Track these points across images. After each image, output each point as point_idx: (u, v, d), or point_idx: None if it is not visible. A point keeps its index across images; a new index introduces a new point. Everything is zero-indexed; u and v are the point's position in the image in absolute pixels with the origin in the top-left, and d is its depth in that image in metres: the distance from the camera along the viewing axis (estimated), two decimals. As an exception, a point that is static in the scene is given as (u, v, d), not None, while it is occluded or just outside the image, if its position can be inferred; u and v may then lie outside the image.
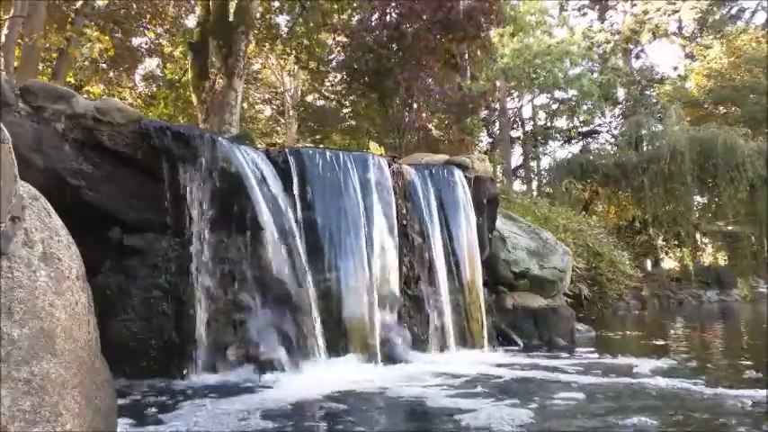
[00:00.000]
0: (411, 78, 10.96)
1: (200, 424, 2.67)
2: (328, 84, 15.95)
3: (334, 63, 14.81)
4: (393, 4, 11.34)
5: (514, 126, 24.14)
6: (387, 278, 4.89)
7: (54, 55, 11.74)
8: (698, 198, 18.75)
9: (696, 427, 2.64)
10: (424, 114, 12.42)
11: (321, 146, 12.59)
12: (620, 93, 23.52)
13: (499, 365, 4.56)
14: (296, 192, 4.64)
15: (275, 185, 4.53)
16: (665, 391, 3.41)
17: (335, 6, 13.60)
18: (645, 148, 18.28)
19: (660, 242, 18.49)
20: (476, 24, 11.34)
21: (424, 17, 11.00)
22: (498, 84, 18.92)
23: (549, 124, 24.31)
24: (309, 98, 18.32)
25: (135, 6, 13.28)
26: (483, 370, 4.32)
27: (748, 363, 4.61)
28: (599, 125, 24.10)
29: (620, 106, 23.62)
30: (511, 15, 16.38)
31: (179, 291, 4.07)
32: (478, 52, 13.17)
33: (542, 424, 2.67)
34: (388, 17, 11.55)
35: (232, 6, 10.82)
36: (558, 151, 24.92)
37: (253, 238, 4.27)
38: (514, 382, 3.81)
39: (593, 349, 5.74)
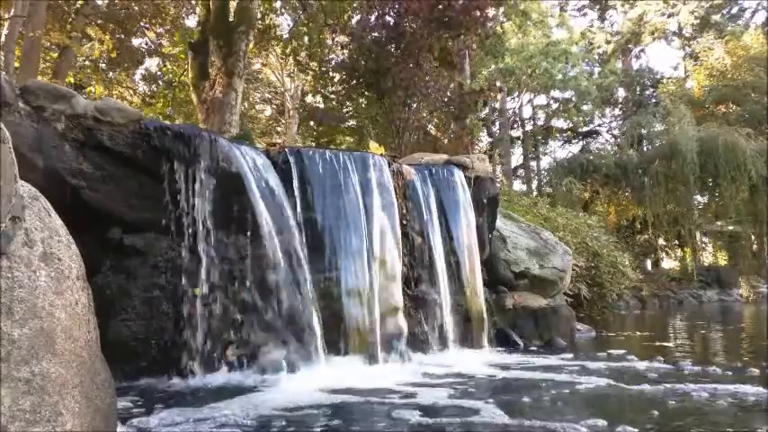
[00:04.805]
0: (408, 78, 10.95)
1: (199, 424, 2.67)
2: (329, 83, 15.92)
3: (333, 63, 14.79)
4: (391, 4, 11.32)
5: (514, 126, 24.15)
6: (387, 278, 4.88)
7: (54, 55, 11.75)
8: (698, 198, 18.74)
9: None
10: (424, 114, 12.40)
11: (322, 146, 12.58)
12: (621, 93, 23.52)
13: (499, 365, 4.56)
14: (296, 191, 4.64)
15: (275, 185, 4.53)
16: None
17: (337, 7, 13.57)
18: (645, 148, 18.28)
19: (660, 242, 18.48)
20: (473, 19, 11.32)
21: (422, 15, 10.98)
22: (498, 83, 18.90)
23: (548, 124, 24.32)
24: (309, 98, 18.30)
25: (135, 7, 13.28)
26: (483, 369, 4.32)
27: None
28: (599, 125, 24.12)
29: (620, 106, 23.63)
30: (511, 7, 16.32)
31: (179, 291, 4.08)
32: (474, 46, 13.10)
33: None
34: (386, 17, 11.54)
35: (232, 6, 10.81)
36: (558, 151, 24.98)
37: (253, 238, 4.27)
38: (514, 382, 3.81)
39: (604, 351, 5.41)
